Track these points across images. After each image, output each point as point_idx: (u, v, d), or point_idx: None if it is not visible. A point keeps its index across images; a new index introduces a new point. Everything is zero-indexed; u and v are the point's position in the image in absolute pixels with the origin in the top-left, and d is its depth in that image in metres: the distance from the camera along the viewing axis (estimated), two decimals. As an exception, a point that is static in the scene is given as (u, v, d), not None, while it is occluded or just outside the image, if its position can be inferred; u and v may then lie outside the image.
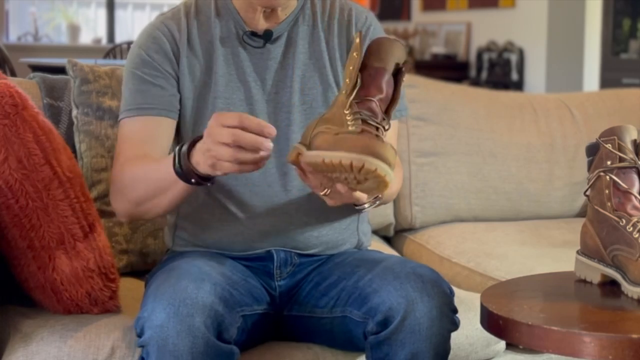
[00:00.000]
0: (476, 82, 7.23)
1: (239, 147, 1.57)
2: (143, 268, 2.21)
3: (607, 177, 1.73)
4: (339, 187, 1.62)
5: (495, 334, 1.62)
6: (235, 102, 1.91)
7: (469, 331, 2.03)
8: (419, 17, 8.31)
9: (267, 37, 1.93)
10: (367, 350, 1.75)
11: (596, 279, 1.75)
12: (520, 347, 2.09)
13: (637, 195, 1.71)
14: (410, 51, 7.84)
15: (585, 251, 1.78)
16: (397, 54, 1.69)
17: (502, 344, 2.13)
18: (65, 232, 1.81)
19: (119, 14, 9.01)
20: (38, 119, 1.83)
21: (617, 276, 1.70)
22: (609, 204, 1.72)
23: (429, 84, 2.85)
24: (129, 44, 5.99)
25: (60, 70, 2.45)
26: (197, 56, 1.92)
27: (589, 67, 6.85)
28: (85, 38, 8.95)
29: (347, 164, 1.54)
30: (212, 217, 1.91)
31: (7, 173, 1.77)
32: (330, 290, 1.86)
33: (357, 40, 1.65)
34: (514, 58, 7.14)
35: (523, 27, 7.11)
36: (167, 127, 1.90)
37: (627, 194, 1.71)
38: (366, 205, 1.78)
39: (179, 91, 1.91)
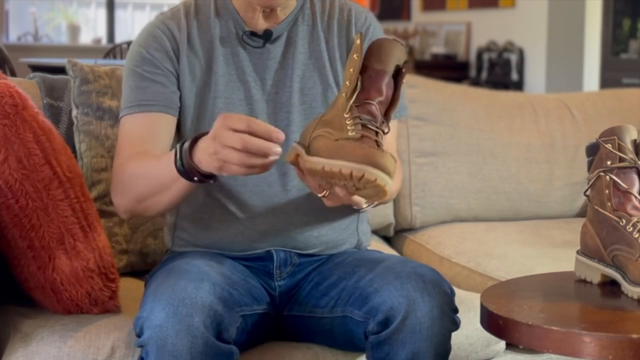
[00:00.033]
0: (476, 82, 7.23)
1: (248, 152, 1.57)
2: (143, 268, 2.21)
3: (607, 177, 1.73)
4: (338, 190, 1.62)
5: (495, 334, 1.62)
6: (235, 102, 1.91)
7: (469, 331, 2.03)
8: (419, 17, 8.31)
9: (266, 37, 1.93)
10: (367, 349, 1.75)
11: (596, 279, 1.75)
12: (520, 347, 2.09)
13: (637, 195, 1.71)
14: (410, 51, 7.85)
15: (585, 251, 1.78)
16: (398, 55, 1.68)
17: (502, 344, 2.13)
18: (65, 232, 1.81)
19: (119, 14, 9.01)
20: (38, 119, 1.83)
21: (617, 276, 1.70)
22: (609, 204, 1.72)
23: (429, 84, 2.85)
24: (129, 44, 5.98)
25: (60, 70, 2.45)
26: (197, 55, 1.92)
27: (589, 67, 6.85)
28: (85, 38, 8.95)
29: (347, 173, 1.55)
30: (212, 217, 1.91)
31: (7, 173, 1.77)
32: (330, 290, 1.86)
33: (358, 42, 1.65)
34: (514, 58, 7.14)
35: (523, 27, 7.11)
36: (168, 123, 1.90)
37: (627, 194, 1.71)
38: (365, 206, 1.78)
39: (179, 89, 1.91)
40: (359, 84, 1.65)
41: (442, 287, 1.74)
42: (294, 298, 1.91)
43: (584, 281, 1.78)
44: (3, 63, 5.30)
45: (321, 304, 1.86)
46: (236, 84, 1.92)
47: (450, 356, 1.76)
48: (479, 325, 1.72)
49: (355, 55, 1.65)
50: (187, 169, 1.68)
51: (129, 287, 2.05)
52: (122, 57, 5.99)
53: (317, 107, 1.92)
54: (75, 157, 2.08)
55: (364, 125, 1.62)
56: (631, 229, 1.67)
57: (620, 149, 1.73)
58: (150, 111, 1.88)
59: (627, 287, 1.66)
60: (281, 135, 1.58)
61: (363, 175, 1.54)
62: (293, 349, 1.90)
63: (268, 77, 1.93)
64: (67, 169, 1.84)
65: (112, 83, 2.27)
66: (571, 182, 2.85)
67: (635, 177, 1.73)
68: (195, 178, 1.69)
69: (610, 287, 1.73)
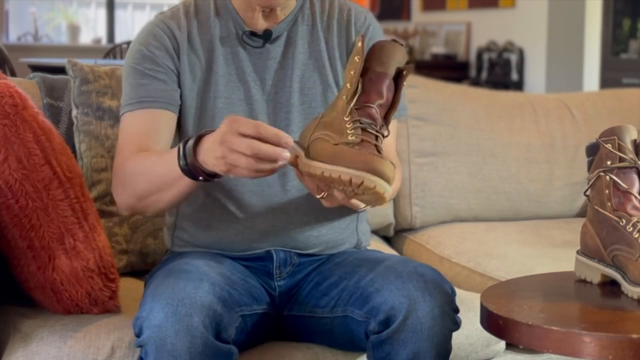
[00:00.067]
0: (476, 82, 7.23)
1: (257, 157, 1.57)
2: (143, 268, 2.21)
3: (607, 177, 1.73)
4: (337, 193, 1.62)
5: (495, 334, 1.62)
6: (235, 102, 1.91)
7: (469, 331, 2.03)
8: (419, 17, 8.31)
9: (266, 37, 1.93)
10: (368, 349, 1.75)
11: (596, 279, 1.75)
12: (520, 347, 2.09)
13: (637, 195, 1.71)
14: (410, 51, 7.84)
15: (585, 251, 1.78)
16: (399, 58, 1.68)
17: (502, 344, 2.13)
18: (65, 232, 1.81)
19: (118, 14, 9.01)
20: (38, 119, 1.83)
21: (617, 276, 1.70)
22: (609, 204, 1.72)
23: (429, 84, 2.85)
24: (129, 44, 5.99)
25: (60, 70, 2.45)
26: (197, 55, 1.92)
27: (589, 67, 6.85)
28: (85, 38, 8.95)
29: (347, 180, 1.55)
30: (212, 218, 1.91)
31: (7, 173, 1.77)
32: (331, 290, 1.86)
33: (359, 44, 1.64)
34: (514, 58, 7.14)
35: (523, 27, 7.11)
36: (168, 120, 1.90)
37: (627, 194, 1.71)
38: (363, 206, 1.78)
39: (179, 87, 1.91)
40: (359, 86, 1.64)
41: (443, 287, 1.74)
42: (294, 298, 1.91)
43: (584, 281, 1.78)
44: (3, 63, 5.30)
45: (321, 304, 1.86)
46: (236, 83, 1.92)
47: (450, 356, 1.76)
48: (479, 325, 1.72)
49: (356, 58, 1.64)
50: (191, 169, 1.68)
51: (129, 287, 2.05)
52: (122, 57, 5.99)
53: (316, 107, 1.92)
54: (75, 157, 2.08)
55: (363, 130, 1.61)
56: (631, 229, 1.67)
57: (620, 149, 1.73)
58: (151, 107, 1.88)
59: (627, 287, 1.66)
60: (290, 140, 1.57)
61: (362, 183, 1.54)
62: (293, 349, 1.90)
63: (268, 77, 1.93)
64: (67, 169, 1.84)
65: (112, 83, 2.27)
66: (571, 182, 2.85)
67: (635, 177, 1.73)
68: (200, 177, 1.69)
69: (610, 287, 1.73)
